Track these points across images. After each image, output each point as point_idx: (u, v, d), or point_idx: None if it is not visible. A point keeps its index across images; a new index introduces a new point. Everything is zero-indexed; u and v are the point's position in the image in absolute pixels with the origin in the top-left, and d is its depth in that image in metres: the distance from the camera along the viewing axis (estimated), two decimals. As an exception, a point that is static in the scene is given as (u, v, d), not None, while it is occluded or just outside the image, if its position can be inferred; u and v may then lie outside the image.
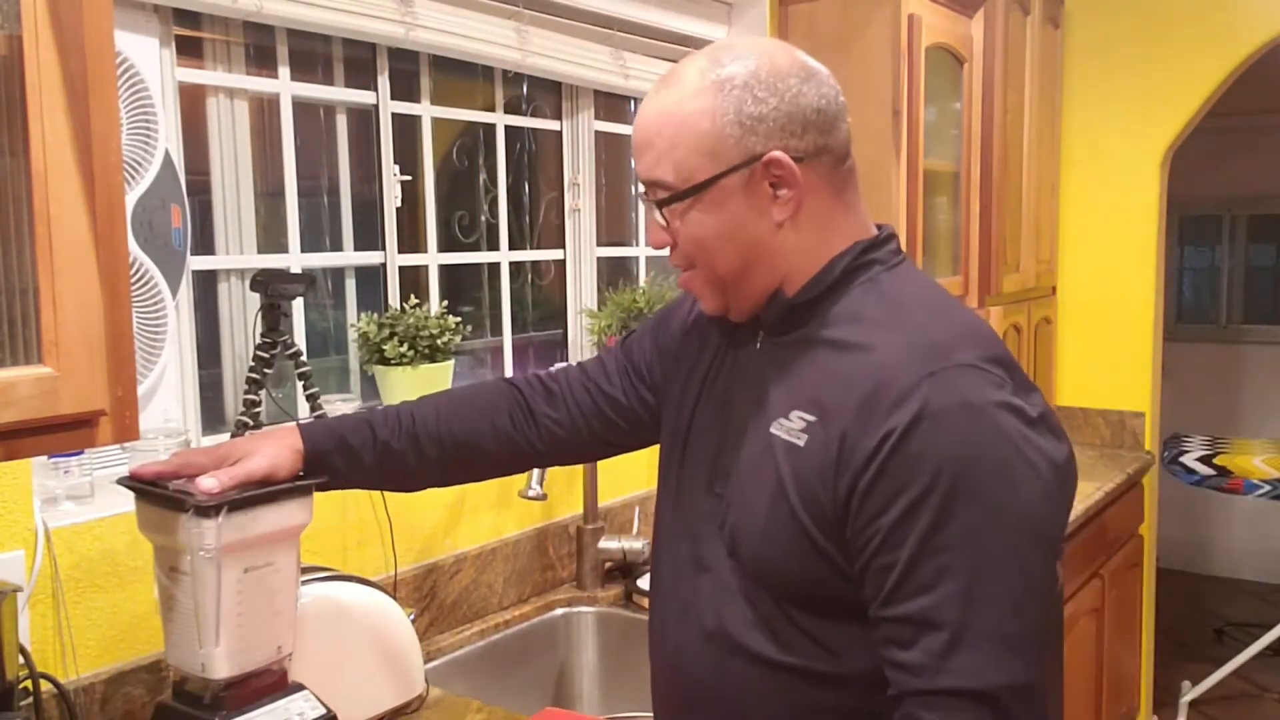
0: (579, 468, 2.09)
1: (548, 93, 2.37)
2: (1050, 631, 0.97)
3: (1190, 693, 3.64)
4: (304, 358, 1.70)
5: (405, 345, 1.86)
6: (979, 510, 0.88)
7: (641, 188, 1.07)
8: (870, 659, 0.95)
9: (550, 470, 1.91)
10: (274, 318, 1.62)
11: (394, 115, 2.00)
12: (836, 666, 0.98)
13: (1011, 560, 0.89)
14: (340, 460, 1.23)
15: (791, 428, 0.99)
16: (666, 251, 1.09)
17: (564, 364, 1.30)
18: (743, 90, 0.99)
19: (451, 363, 1.93)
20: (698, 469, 1.11)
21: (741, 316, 1.08)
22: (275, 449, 1.19)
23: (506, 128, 2.26)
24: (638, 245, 2.65)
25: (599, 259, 2.49)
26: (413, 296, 2.00)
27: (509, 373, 2.28)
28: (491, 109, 2.23)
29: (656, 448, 1.23)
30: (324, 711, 1.26)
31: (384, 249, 2.02)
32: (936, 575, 0.89)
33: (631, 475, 2.27)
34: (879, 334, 0.98)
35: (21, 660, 1.20)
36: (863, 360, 0.97)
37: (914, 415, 0.90)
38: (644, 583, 2.06)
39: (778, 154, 0.99)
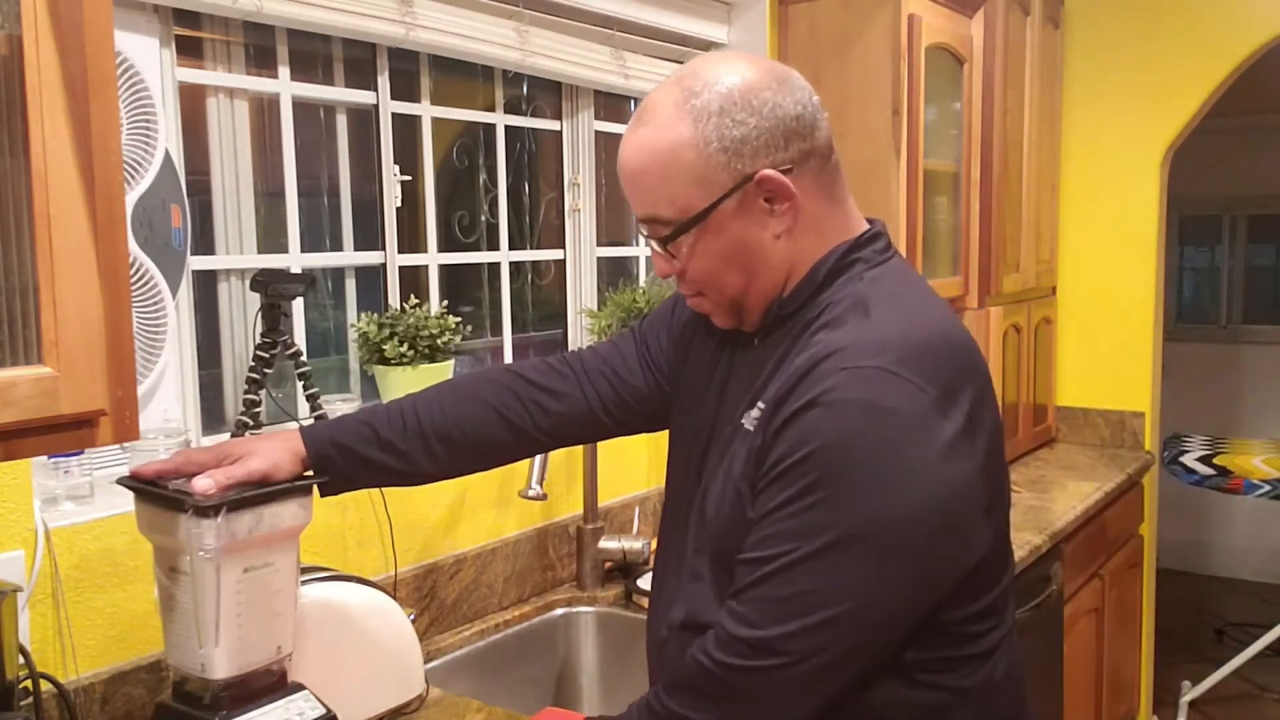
0: (579, 467, 2.09)
1: (548, 93, 2.37)
2: (864, 633, 0.95)
3: (1190, 693, 3.64)
4: (304, 358, 1.70)
5: (405, 345, 1.86)
6: (832, 502, 0.92)
7: (640, 225, 1.08)
8: None
9: (550, 470, 1.91)
10: (274, 318, 1.62)
11: (394, 115, 2.00)
12: None
13: (836, 556, 0.92)
14: (344, 463, 1.22)
15: (753, 417, 1.03)
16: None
17: (570, 351, 1.31)
18: (720, 116, 0.99)
19: (451, 363, 1.93)
20: (690, 463, 1.15)
21: (754, 326, 1.10)
22: (275, 450, 1.19)
23: (506, 128, 2.26)
24: (638, 245, 2.65)
25: (599, 259, 2.49)
26: (413, 296, 2.00)
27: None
28: (491, 109, 2.23)
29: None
30: (324, 711, 1.27)
31: (384, 249, 2.02)
32: (769, 540, 0.95)
33: (631, 475, 2.27)
34: (833, 331, 1.00)
35: (21, 660, 1.20)
36: (807, 354, 0.99)
37: (809, 400, 0.94)
38: (644, 582, 2.06)
39: (767, 172, 1.00)
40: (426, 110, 2.08)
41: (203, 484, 1.12)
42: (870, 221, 1.10)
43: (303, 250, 1.88)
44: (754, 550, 0.96)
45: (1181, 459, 3.69)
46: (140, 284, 1.56)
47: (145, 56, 1.58)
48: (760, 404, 1.02)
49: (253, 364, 1.62)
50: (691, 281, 1.08)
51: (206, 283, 1.76)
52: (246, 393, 1.62)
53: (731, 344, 1.15)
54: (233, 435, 1.62)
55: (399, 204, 2.01)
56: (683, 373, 1.23)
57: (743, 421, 1.04)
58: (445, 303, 2.11)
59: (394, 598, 1.57)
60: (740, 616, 0.96)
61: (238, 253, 1.80)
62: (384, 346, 1.86)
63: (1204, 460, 3.67)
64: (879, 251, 1.07)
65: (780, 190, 1.01)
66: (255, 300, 1.66)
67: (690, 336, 1.24)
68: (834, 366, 0.95)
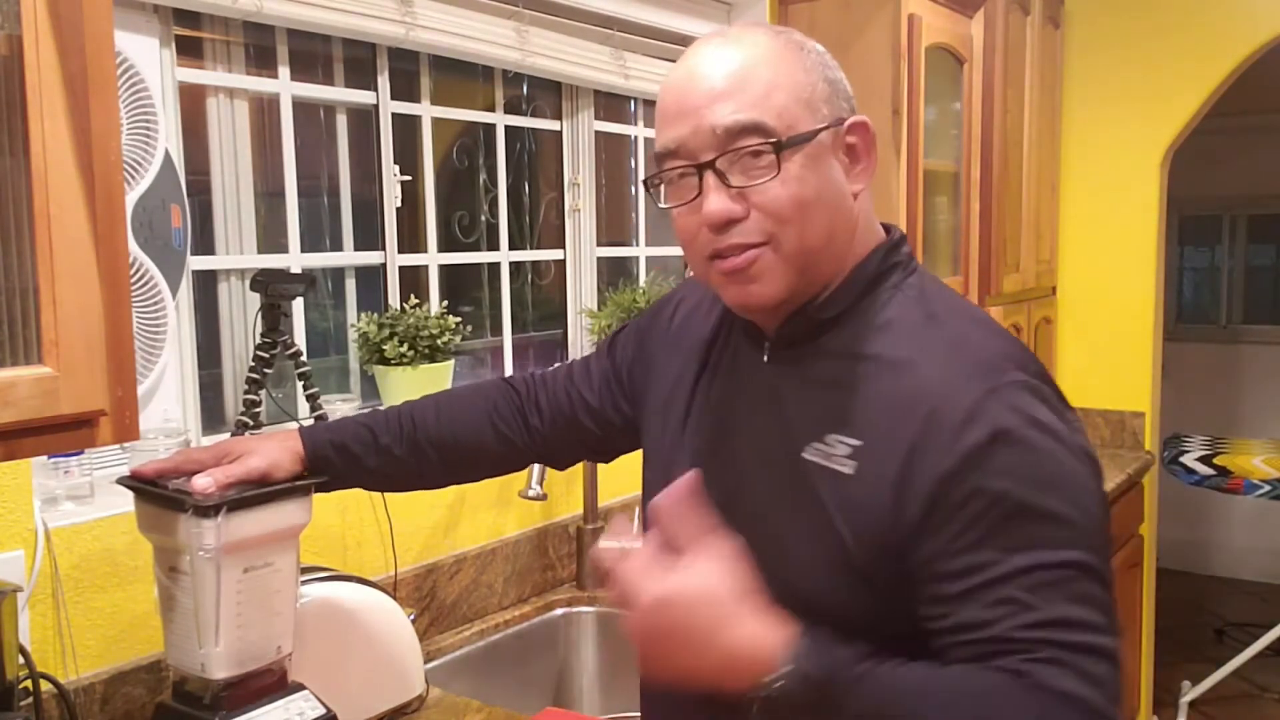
0: (579, 467, 2.08)
1: (548, 93, 2.37)
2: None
3: (1190, 693, 3.64)
4: (304, 358, 1.70)
5: (405, 345, 1.86)
6: (1055, 528, 0.83)
7: (723, 142, 0.90)
8: None
9: (550, 470, 1.91)
10: (274, 318, 1.62)
11: (394, 115, 2.00)
12: None
13: (1081, 574, 0.83)
14: (341, 464, 1.23)
15: (832, 453, 0.91)
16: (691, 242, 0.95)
17: (562, 363, 1.28)
18: (820, 56, 0.95)
19: (451, 363, 1.93)
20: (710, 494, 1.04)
21: (790, 306, 0.96)
22: (274, 449, 1.19)
23: (506, 128, 2.25)
24: (638, 245, 2.65)
25: (599, 259, 2.48)
26: (413, 296, 2.00)
27: (509, 373, 2.28)
28: (491, 109, 2.23)
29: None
30: (324, 711, 1.26)
31: (384, 249, 2.02)
32: (1014, 581, 0.82)
33: (632, 475, 2.25)
34: (918, 347, 0.91)
35: (21, 660, 1.20)
36: (909, 378, 0.89)
37: (991, 434, 0.83)
38: (644, 583, 2.05)
39: (863, 118, 0.95)
40: (426, 110, 2.08)
41: (202, 483, 1.12)
42: (886, 226, 1.02)
43: (303, 250, 1.88)
44: (1009, 587, 0.82)
45: (1181, 459, 3.69)
46: (140, 284, 1.56)
47: (145, 56, 1.58)
48: (841, 438, 0.90)
49: (253, 364, 1.62)
50: (768, 218, 0.90)
51: (206, 283, 1.76)
52: (246, 393, 1.62)
53: (725, 358, 1.04)
54: (232, 435, 1.62)
55: (399, 204, 2.01)
56: (652, 389, 1.13)
57: (810, 457, 0.92)
58: (445, 303, 2.11)
59: (394, 598, 1.57)
60: (1066, 621, 0.82)
61: (238, 253, 1.80)
62: (384, 346, 1.86)
63: (1204, 460, 3.67)
64: (909, 256, 1.00)
65: (865, 144, 0.95)
66: (255, 300, 1.66)
67: (662, 349, 1.14)
68: (975, 391, 0.85)
